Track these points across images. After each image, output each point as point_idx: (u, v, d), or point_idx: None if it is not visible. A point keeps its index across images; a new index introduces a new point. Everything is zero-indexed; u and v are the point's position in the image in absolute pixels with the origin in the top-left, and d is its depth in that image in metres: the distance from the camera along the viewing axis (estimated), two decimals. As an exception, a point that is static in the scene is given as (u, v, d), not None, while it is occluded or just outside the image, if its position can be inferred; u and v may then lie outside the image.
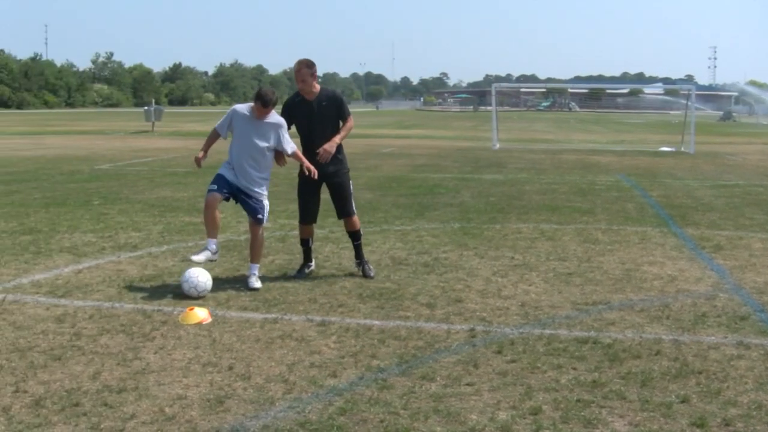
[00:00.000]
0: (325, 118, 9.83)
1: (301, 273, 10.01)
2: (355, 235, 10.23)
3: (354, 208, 10.19)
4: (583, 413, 5.74)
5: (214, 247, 9.30)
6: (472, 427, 5.49)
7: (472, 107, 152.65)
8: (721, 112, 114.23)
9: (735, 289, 9.57)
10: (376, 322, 7.96)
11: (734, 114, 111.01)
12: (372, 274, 9.95)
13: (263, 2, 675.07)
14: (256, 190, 9.51)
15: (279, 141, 9.52)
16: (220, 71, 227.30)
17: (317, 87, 9.81)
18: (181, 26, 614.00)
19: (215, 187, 9.32)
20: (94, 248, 11.35)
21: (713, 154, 35.20)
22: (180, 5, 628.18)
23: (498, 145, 37.55)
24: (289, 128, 9.85)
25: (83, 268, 10.12)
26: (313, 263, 10.28)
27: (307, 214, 10.15)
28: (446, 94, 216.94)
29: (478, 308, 8.53)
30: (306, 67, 9.69)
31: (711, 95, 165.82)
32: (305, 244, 10.22)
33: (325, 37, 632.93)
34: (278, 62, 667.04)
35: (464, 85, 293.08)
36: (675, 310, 8.55)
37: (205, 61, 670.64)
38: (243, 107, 9.62)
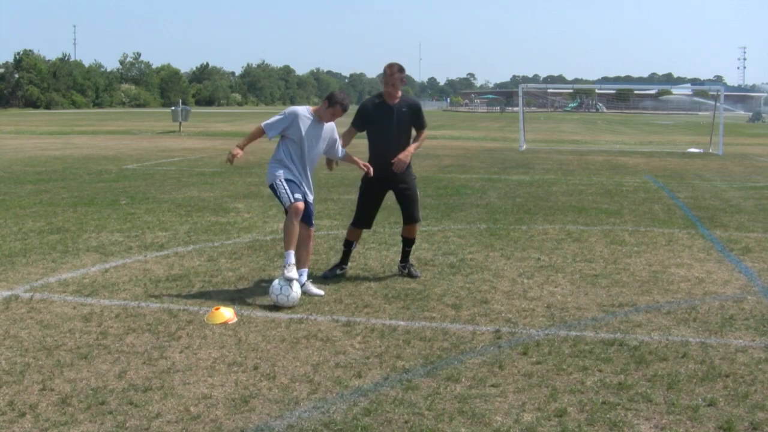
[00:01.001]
0: (402, 125, 9.76)
1: (332, 272, 9.99)
2: (409, 242, 10.20)
3: (420, 215, 10.24)
4: (608, 415, 5.71)
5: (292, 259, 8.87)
6: (497, 428, 5.48)
7: (499, 108, 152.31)
8: (751, 113, 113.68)
9: (764, 292, 9.50)
10: (402, 323, 7.95)
11: (764, 115, 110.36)
12: (418, 273, 10.01)
13: (291, 2, 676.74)
14: (312, 194, 9.37)
15: (333, 145, 9.47)
16: (247, 71, 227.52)
17: (400, 92, 9.76)
18: (209, 27, 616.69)
19: (300, 196, 8.96)
20: (121, 248, 11.41)
21: (742, 155, 35.00)
22: (207, 5, 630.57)
23: (525, 146, 37.50)
24: (360, 131, 9.84)
25: (110, 268, 10.17)
26: (347, 266, 10.25)
27: (365, 219, 10.05)
28: (473, 95, 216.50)
29: (503, 309, 8.52)
30: (399, 71, 9.56)
31: (740, 96, 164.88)
32: (348, 245, 10.14)
33: (352, 37, 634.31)
34: (305, 63, 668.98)
35: (491, 85, 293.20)
36: (702, 313, 8.50)
37: (232, 61, 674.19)
38: (303, 110, 9.25)
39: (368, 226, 10.16)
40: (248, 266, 10.35)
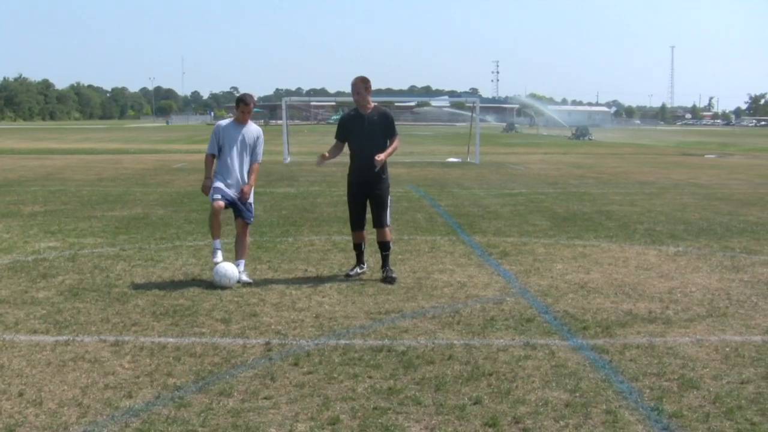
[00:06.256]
0: (375, 133, 10.73)
1: (354, 272, 10.99)
2: (382, 246, 10.95)
3: (388, 221, 10.99)
4: (380, 420, 5.85)
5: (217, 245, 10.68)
6: (272, 440, 5.51)
7: (263, 121, 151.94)
8: (505, 124, 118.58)
9: (521, 293, 9.96)
10: (171, 340, 7.87)
11: (516, 125, 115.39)
12: (393, 275, 10.68)
13: (46, 16, 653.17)
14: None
15: (255, 148, 10.90)
16: (4, 86, 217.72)
17: (372, 104, 10.85)
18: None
19: (219, 196, 10.48)
20: None
21: (498, 163, 36.43)
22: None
23: (289, 159, 37.66)
24: (342, 142, 10.91)
25: None
26: (365, 266, 11.16)
27: (357, 222, 11.07)
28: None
29: (273, 321, 8.57)
30: (361, 81, 10.72)
31: (495, 107, 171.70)
32: (358, 248, 11.13)
33: (113, 50, 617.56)
34: (65, 77, 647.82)
35: (255, 99, 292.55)
36: (465, 316, 8.83)
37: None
38: (224, 121, 11.03)
39: (362, 227, 11.12)
40: (9, 288, 9.97)
